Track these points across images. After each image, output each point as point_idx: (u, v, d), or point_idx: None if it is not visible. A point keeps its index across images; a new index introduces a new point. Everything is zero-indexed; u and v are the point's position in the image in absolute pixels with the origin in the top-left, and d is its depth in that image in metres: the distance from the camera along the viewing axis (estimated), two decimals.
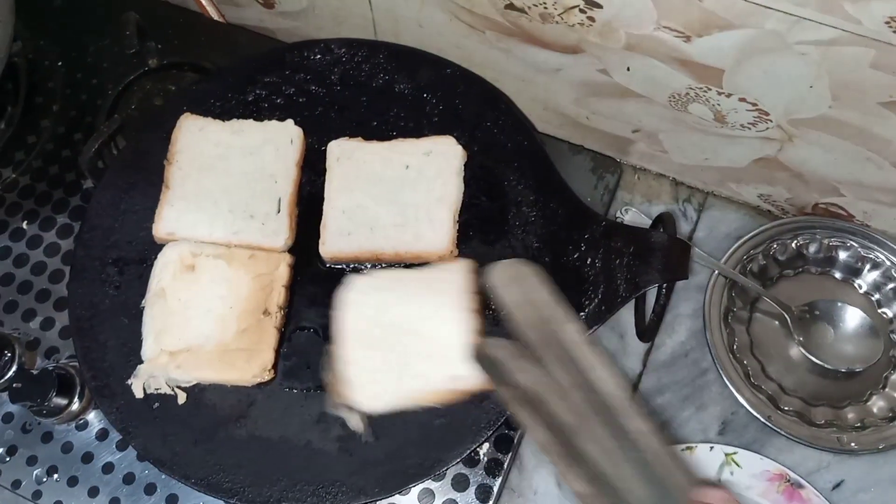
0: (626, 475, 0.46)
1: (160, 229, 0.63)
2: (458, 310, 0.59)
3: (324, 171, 0.65)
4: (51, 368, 0.67)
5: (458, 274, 0.60)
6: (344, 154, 0.66)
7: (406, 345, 0.59)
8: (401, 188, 0.64)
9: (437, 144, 0.65)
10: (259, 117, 0.67)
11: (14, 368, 0.67)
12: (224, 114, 0.68)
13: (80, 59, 0.85)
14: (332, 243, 0.63)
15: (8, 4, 0.72)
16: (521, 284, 0.50)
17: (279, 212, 0.64)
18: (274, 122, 0.66)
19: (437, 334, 0.59)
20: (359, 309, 0.60)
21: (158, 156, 0.66)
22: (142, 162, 0.66)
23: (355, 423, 0.58)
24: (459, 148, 0.65)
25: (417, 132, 0.67)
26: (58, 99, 0.83)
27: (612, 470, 0.46)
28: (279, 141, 0.66)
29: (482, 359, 0.52)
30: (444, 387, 0.58)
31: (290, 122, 0.65)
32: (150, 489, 0.67)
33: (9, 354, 0.67)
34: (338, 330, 0.59)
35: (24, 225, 0.77)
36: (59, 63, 0.84)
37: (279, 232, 0.63)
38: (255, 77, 0.69)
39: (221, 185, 0.63)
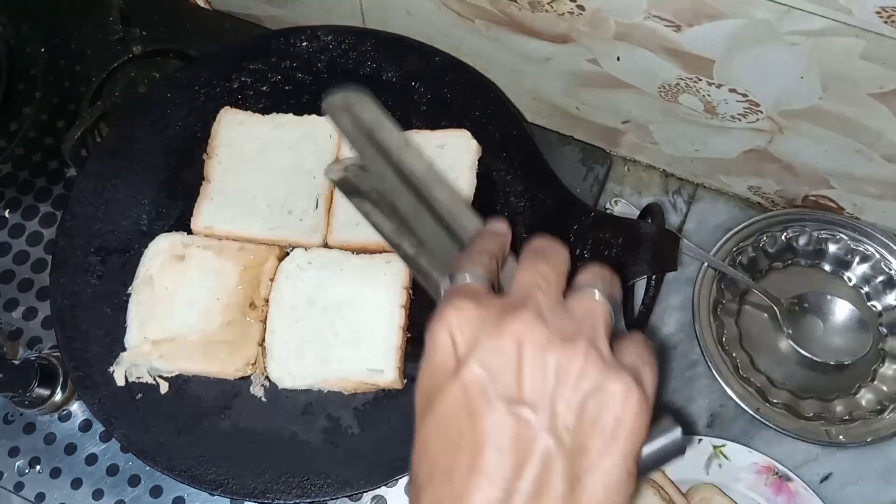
0: (432, 230, 0.47)
1: (198, 223, 0.63)
2: (389, 303, 0.60)
3: None
4: (33, 358, 0.66)
5: (397, 266, 0.61)
6: None
7: (331, 328, 0.60)
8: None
9: (452, 138, 0.66)
10: (244, 105, 0.68)
11: None
12: (209, 101, 0.68)
13: (64, 46, 0.84)
14: (340, 233, 0.64)
15: None
16: (350, 110, 0.52)
17: (317, 208, 0.64)
18: (314, 117, 0.66)
19: (363, 324, 0.60)
20: (294, 282, 0.61)
21: (142, 143, 0.66)
22: (125, 150, 0.66)
23: (256, 391, 0.59)
24: (474, 142, 0.66)
25: (405, 121, 0.67)
26: (40, 86, 0.82)
27: (422, 229, 0.48)
28: (318, 136, 0.66)
29: (338, 182, 0.54)
30: (359, 378, 0.59)
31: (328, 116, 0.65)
32: (133, 481, 0.66)
33: None
34: (271, 298, 0.60)
35: (7, 213, 0.76)
36: (42, 49, 0.83)
37: (317, 229, 0.64)
38: (241, 64, 0.69)
39: (260, 180, 0.64)
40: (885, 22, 0.53)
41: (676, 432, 0.37)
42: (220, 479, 0.56)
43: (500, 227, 0.46)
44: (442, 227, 0.49)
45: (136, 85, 0.76)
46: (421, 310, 0.61)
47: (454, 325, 0.36)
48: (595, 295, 0.38)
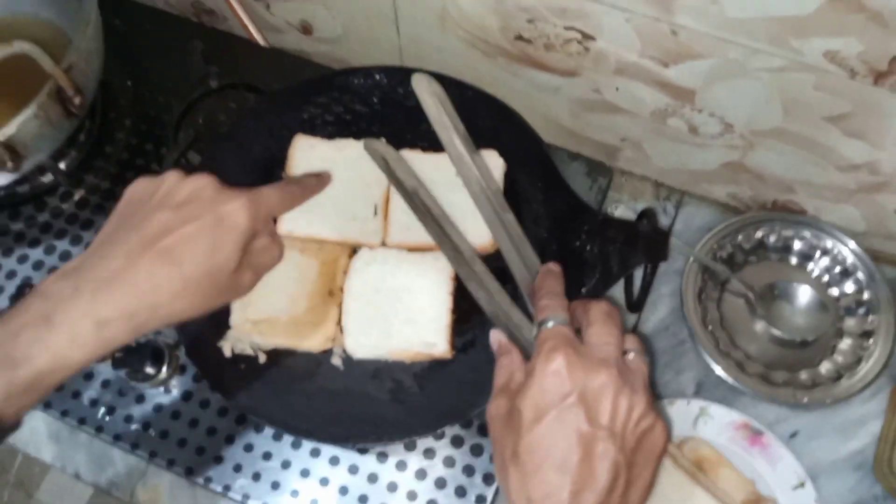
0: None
1: (282, 227, 0.69)
2: (439, 290, 0.68)
3: None
4: (144, 342, 0.75)
5: (445, 261, 0.69)
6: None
7: (393, 310, 0.68)
8: (451, 192, 0.71)
9: (482, 157, 0.71)
10: (313, 132, 0.75)
11: None
12: (283, 129, 0.75)
13: (146, 80, 0.92)
14: (396, 236, 0.71)
15: (99, 36, 0.79)
16: (435, 96, 0.67)
17: (376, 214, 0.71)
18: (370, 140, 0.73)
19: (419, 307, 0.68)
20: (362, 275, 0.69)
21: (231, 163, 0.74)
22: (218, 168, 0.70)
23: (336, 361, 0.68)
24: (501, 160, 0.72)
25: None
26: (128, 114, 0.90)
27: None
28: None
29: (372, 152, 0.68)
30: (416, 349, 0.67)
31: (382, 140, 0.73)
32: (229, 439, 0.75)
33: None
34: (345, 287, 0.69)
35: None
36: (129, 82, 0.92)
37: (377, 232, 0.71)
38: (309, 98, 0.77)
39: (328, 193, 0.70)
40: (830, 62, 0.60)
41: None
42: (310, 428, 0.65)
43: (558, 268, 0.61)
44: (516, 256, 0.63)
45: (216, 114, 0.84)
46: (463, 295, 0.68)
47: (563, 366, 0.50)
48: (643, 357, 0.53)
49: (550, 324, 0.53)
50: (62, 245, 0.86)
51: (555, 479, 0.47)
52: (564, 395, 0.49)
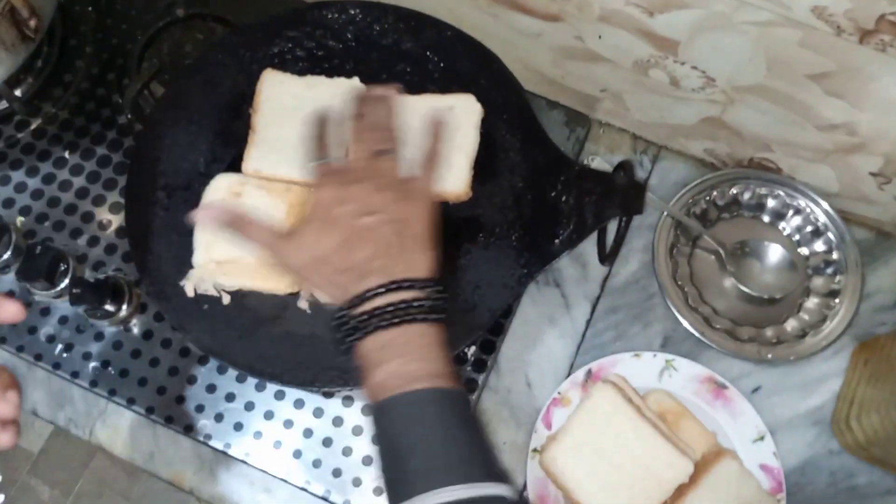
0: None
1: (248, 167, 0.68)
2: None
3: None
4: (103, 277, 0.74)
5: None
6: None
7: None
8: (426, 136, 0.68)
9: (460, 101, 0.70)
10: (283, 67, 0.72)
11: (69, 277, 0.74)
12: (253, 63, 0.73)
13: (109, 5, 0.88)
14: None
15: None
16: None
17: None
18: (342, 79, 0.71)
19: None
20: None
21: (198, 98, 0.72)
22: (183, 102, 0.72)
23: (302, 305, 0.67)
24: (478, 105, 0.70)
25: (421, 86, 0.72)
26: (90, 42, 0.87)
27: None
28: (345, 95, 0.68)
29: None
30: None
31: (355, 79, 0.71)
32: (191, 379, 0.75)
33: (64, 266, 0.74)
34: None
35: (67, 154, 0.82)
36: (90, 8, 0.88)
37: None
38: (280, 32, 0.74)
39: (297, 131, 0.67)
40: (818, 17, 0.60)
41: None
42: (275, 372, 0.64)
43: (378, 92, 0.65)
44: None
45: (181, 45, 0.82)
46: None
47: (327, 188, 0.59)
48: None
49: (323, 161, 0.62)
50: (17, 176, 0.83)
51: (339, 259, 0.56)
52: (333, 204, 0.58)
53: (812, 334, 0.78)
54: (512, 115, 0.72)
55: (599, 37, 0.74)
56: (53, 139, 0.84)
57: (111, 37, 0.88)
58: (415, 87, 0.72)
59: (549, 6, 0.73)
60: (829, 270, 0.81)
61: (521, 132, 0.72)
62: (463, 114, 0.71)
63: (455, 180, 0.69)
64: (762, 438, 0.75)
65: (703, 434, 0.74)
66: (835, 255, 0.81)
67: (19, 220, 0.81)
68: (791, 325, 0.80)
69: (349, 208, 0.57)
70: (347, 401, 0.76)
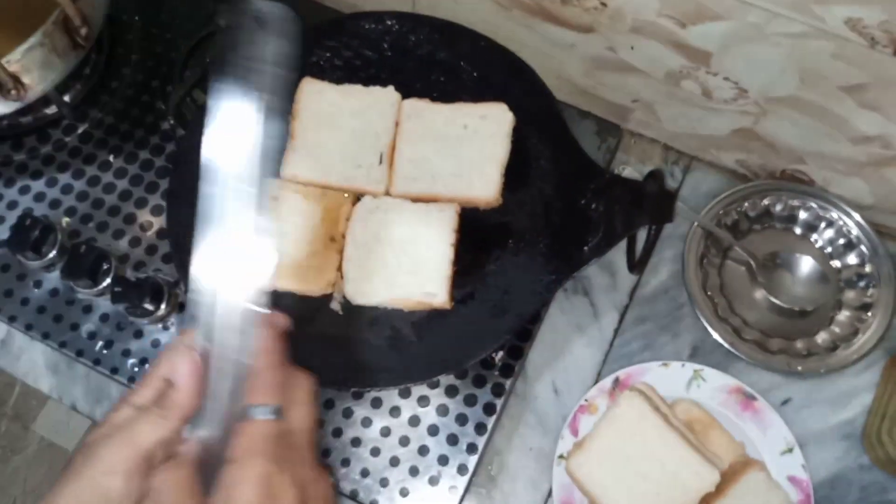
0: None
1: (286, 172, 0.70)
2: (441, 241, 0.68)
3: None
4: (143, 277, 0.76)
5: (448, 213, 0.69)
6: (414, 112, 0.72)
7: (395, 259, 0.68)
8: (459, 144, 0.71)
9: (492, 110, 0.71)
10: (321, 76, 0.74)
11: (110, 277, 0.77)
12: (293, 72, 0.76)
13: (155, 16, 0.91)
14: (400, 186, 0.71)
15: None
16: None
17: (381, 163, 0.71)
18: (378, 88, 0.72)
19: (420, 257, 0.68)
20: (365, 222, 0.70)
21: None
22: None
23: (335, 306, 0.68)
24: (510, 114, 0.71)
25: (454, 95, 0.74)
26: (136, 50, 0.89)
27: None
28: (381, 104, 0.72)
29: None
30: (416, 298, 0.67)
31: (391, 87, 0.72)
32: None
33: (106, 265, 0.77)
34: (347, 234, 0.69)
35: (111, 158, 0.85)
36: (136, 18, 0.91)
37: (381, 180, 0.71)
38: (319, 41, 0.76)
39: (335, 138, 0.70)
40: (851, 30, 0.60)
41: None
42: (310, 371, 0.63)
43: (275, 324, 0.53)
44: None
45: (224, 53, 0.86)
46: (465, 248, 0.69)
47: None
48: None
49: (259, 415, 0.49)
50: (64, 178, 0.86)
51: None
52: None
53: (843, 347, 0.77)
54: (543, 125, 0.73)
55: (632, 48, 0.75)
56: (99, 143, 0.86)
57: (156, 46, 0.90)
58: (448, 96, 0.74)
59: (583, 17, 0.74)
60: (862, 283, 0.80)
61: (551, 141, 0.73)
62: (495, 122, 0.72)
63: (486, 187, 0.70)
64: (791, 450, 0.74)
65: (731, 444, 0.74)
66: (867, 268, 0.80)
67: (65, 220, 0.84)
68: (822, 337, 0.79)
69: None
70: (376, 402, 0.77)
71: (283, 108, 0.55)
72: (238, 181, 0.50)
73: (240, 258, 0.50)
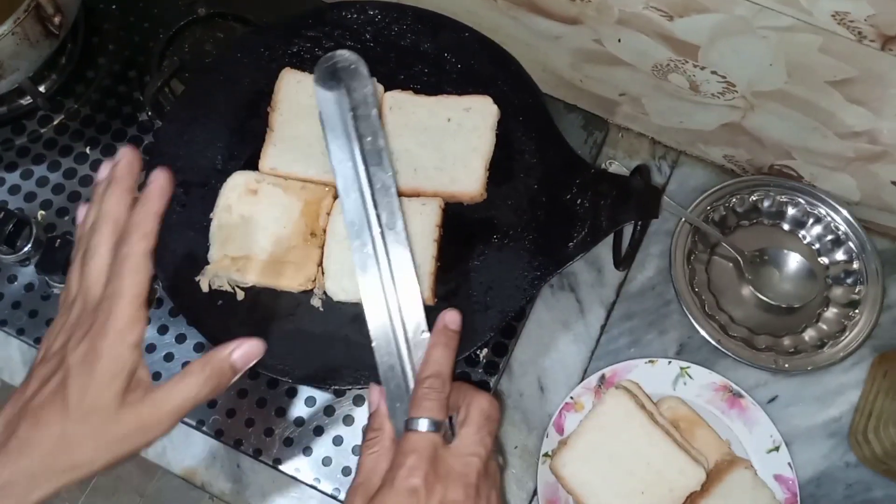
0: None
1: (265, 165, 0.68)
2: (424, 237, 0.67)
3: None
4: None
5: (431, 208, 0.68)
6: (396, 104, 0.71)
7: None
8: (442, 137, 0.70)
9: (476, 102, 0.70)
10: (302, 67, 0.73)
11: None
12: (272, 62, 0.73)
13: (132, 4, 0.89)
14: None
15: None
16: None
17: None
18: None
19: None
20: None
21: (217, 96, 0.72)
22: (202, 100, 0.72)
23: (315, 303, 0.67)
24: (495, 107, 0.70)
25: (438, 87, 0.73)
26: (112, 39, 0.88)
27: None
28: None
29: None
30: None
31: (373, 79, 0.69)
32: None
33: None
34: (328, 229, 0.68)
35: (87, 150, 0.83)
36: (113, 6, 0.89)
37: None
38: (300, 31, 0.74)
39: (314, 131, 0.68)
40: (839, 23, 0.60)
41: None
42: (286, 368, 0.64)
43: (457, 320, 0.56)
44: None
45: (202, 43, 0.82)
46: (448, 244, 0.67)
47: (421, 487, 0.47)
48: (498, 459, 0.53)
49: (422, 426, 0.50)
50: (39, 170, 0.84)
51: None
52: None
53: (830, 345, 0.77)
54: (528, 118, 0.72)
55: (619, 40, 0.74)
56: (75, 135, 0.85)
57: (133, 35, 0.88)
58: (432, 88, 0.73)
59: (569, 9, 0.73)
60: (850, 280, 0.80)
61: (537, 134, 0.72)
62: (479, 115, 0.71)
63: (470, 181, 0.69)
64: (777, 449, 0.74)
65: (717, 442, 0.73)
66: (855, 265, 0.80)
67: (40, 213, 0.82)
68: (809, 334, 0.79)
69: None
70: (358, 400, 0.75)
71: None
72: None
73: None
